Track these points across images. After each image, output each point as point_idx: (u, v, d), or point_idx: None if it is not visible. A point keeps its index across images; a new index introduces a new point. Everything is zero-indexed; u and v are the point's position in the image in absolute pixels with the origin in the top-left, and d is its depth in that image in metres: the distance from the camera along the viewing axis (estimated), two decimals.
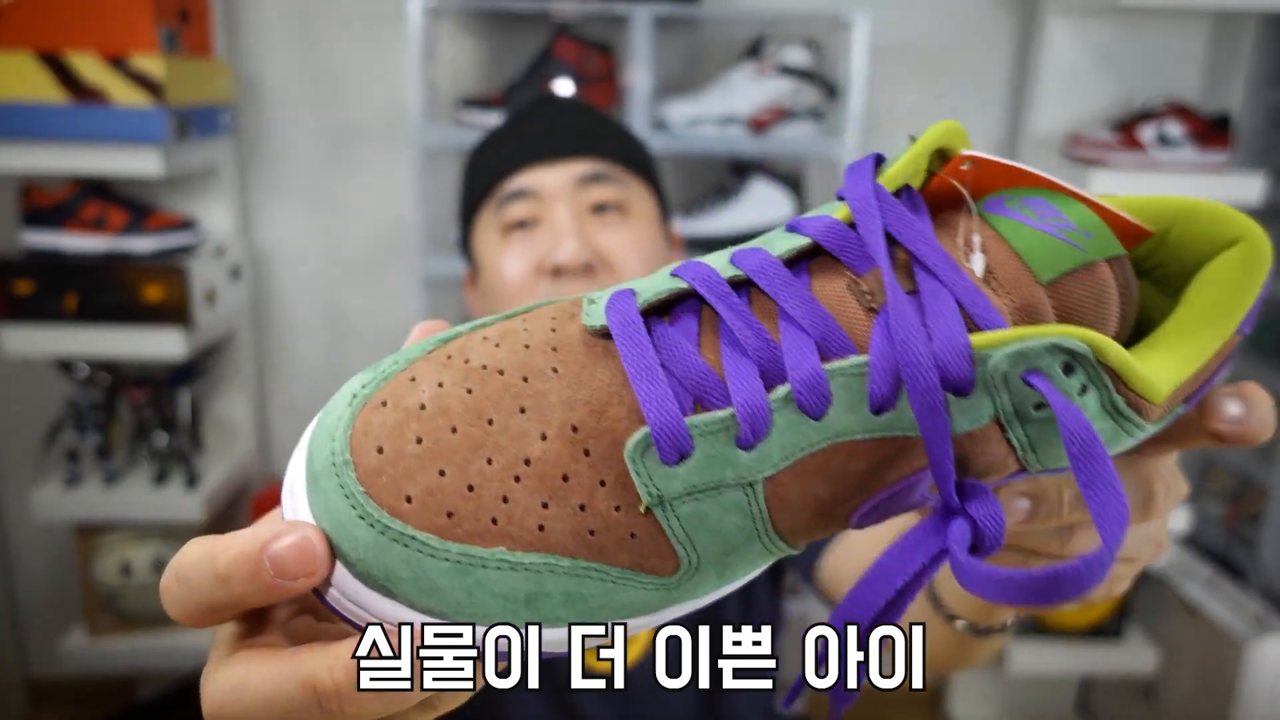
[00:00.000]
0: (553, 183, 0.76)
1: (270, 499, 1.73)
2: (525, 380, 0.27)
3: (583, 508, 0.26)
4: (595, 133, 0.79)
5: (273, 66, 1.71)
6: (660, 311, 0.28)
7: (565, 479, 0.26)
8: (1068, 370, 0.25)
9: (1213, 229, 0.31)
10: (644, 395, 0.26)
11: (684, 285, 0.27)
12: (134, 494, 1.57)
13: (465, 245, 0.84)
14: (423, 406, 0.27)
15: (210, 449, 1.76)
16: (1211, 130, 1.52)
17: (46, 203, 1.48)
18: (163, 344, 1.47)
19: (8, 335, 1.45)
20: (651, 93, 1.53)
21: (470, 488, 0.25)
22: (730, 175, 1.63)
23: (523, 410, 0.26)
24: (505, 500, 0.25)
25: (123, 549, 1.61)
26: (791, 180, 1.63)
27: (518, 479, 0.26)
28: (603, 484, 0.26)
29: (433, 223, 1.63)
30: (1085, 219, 0.28)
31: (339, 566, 0.26)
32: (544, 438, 0.26)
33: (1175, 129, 1.52)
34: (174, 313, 1.47)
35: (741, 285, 0.27)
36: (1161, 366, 0.27)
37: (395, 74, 1.71)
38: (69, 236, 1.48)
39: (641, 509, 0.26)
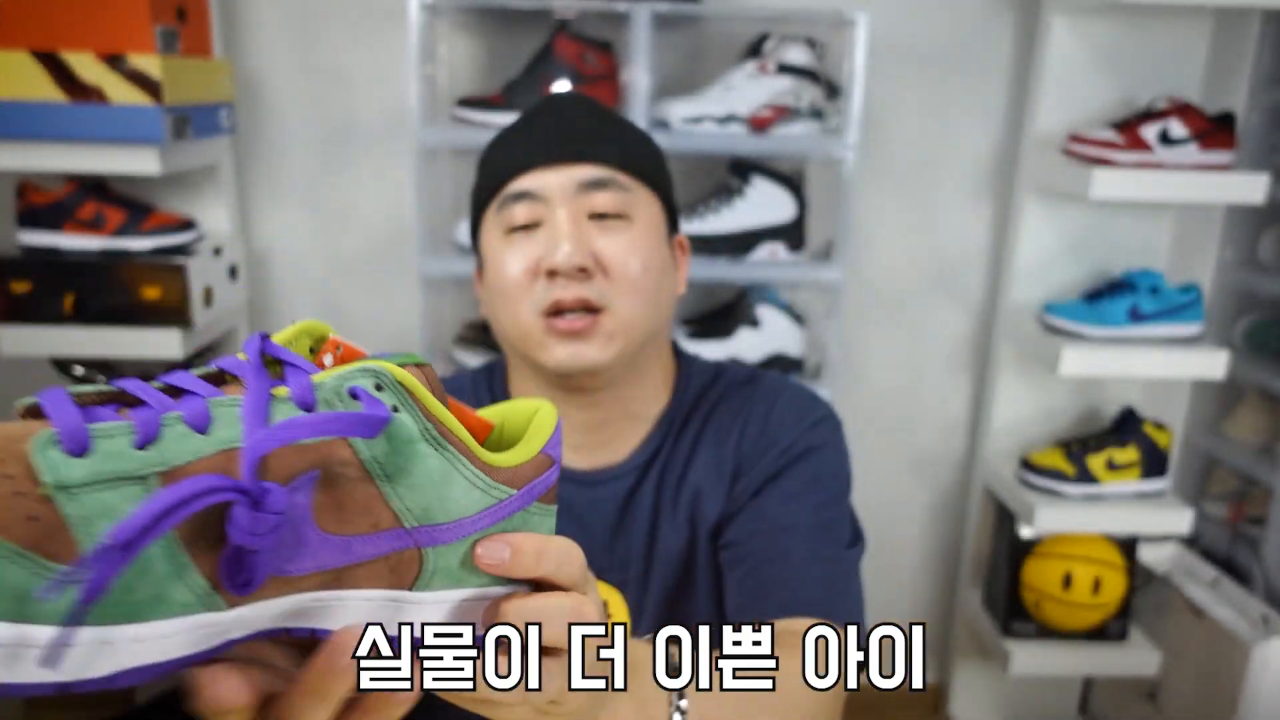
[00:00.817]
0: (555, 187, 0.76)
1: None
2: None
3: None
4: (603, 137, 0.79)
5: (271, 66, 1.70)
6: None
7: None
8: (379, 389, 0.37)
9: (525, 409, 0.45)
10: (49, 405, 0.33)
11: (111, 389, 0.36)
12: None
13: (475, 240, 0.85)
14: None
15: None
16: (1215, 130, 1.52)
17: (44, 202, 1.47)
18: (160, 344, 1.46)
19: (4, 335, 1.44)
20: (652, 91, 1.52)
21: None
22: (731, 174, 1.63)
23: None
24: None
25: None
26: (792, 179, 1.62)
27: None
28: (10, 477, 0.30)
29: (431, 222, 1.62)
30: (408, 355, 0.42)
31: None
32: None
33: (1178, 128, 1.51)
34: (172, 312, 1.46)
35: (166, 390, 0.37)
36: (498, 456, 0.40)
37: (394, 73, 1.70)
38: (66, 236, 1.47)
39: (40, 492, 0.30)
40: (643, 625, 0.83)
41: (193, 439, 0.33)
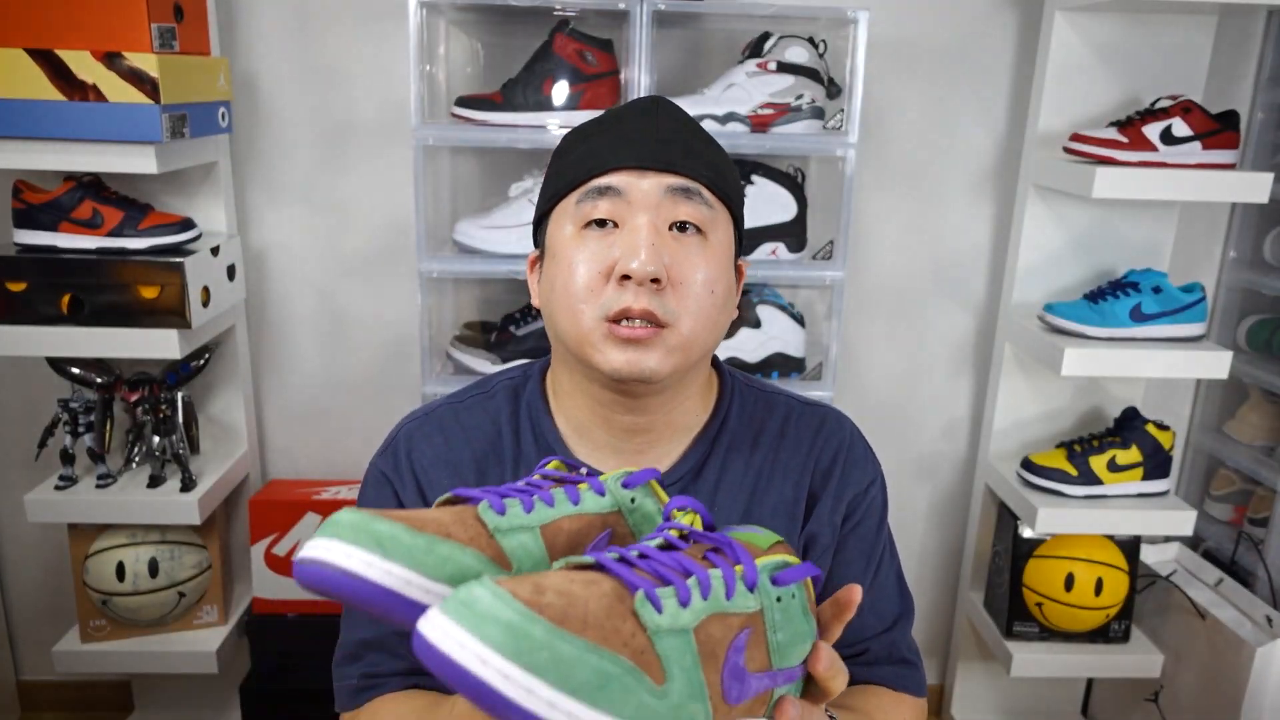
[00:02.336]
0: (643, 189, 0.75)
1: (267, 500, 1.72)
2: (567, 580, 0.48)
3: (618, 631, 0.45)
4: (696, 151, 0.79)
5: (269, 64, 1.69)
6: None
7: (608, 617, 0.46)
8: (776, 582, 0.54)
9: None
10: (626, 577, 0.49)
11: (617, 556, 0.52)
12: (129, 496, 1.56)
13: (538, 228, 0.83)
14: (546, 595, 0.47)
15: (206, 450, 1.75)
16: (1218, 129, 1.51)
17: (40, 201, 1.46)
18: (158, 344, 1.45)
19: (1, 335, 1.44)
20: (652, 90, 1.51)
21: (565, 612, 0.45)
22: None
23: (570, 594, 0.47)
24: (586, 614, 0.45)
25: (117, 552, 1.60)
26: (793, 178, 1.61)
27: (586, 612, 0.45)
28: (625, 621, 0.46)
29: (431, 221, 1.61)
30: (751, 528, 0.60)
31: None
32: (588, 602, 0.46)
33: (1182, 127, 1.50)
34: (169, 312, 1.45)
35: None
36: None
37: (393, 71, 1.70)
38: (63, 235, 1.47)
39: (647, 637, 0.46)
40: None
41: (702, 602, 0.49)
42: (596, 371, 0.77)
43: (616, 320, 0.73)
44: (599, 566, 0.50)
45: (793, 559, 0.54)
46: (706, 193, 0.77)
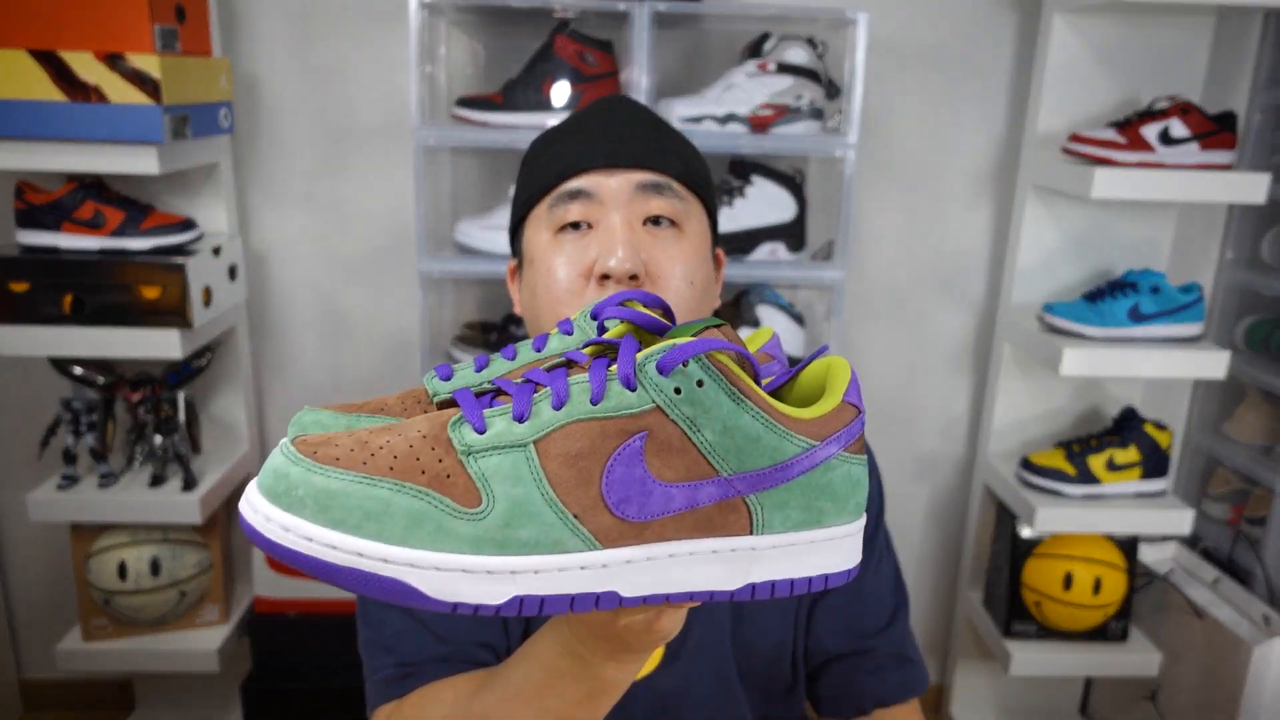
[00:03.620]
0: (613, 188, 0.76)
1: None
2: (394, 424, 0.46)
3: (418, 459, 0.43)
4: (662, 145, 0.79)
5: (271, 65, 1.70)
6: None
7: (410, 446, 0.43)
8: (662, 369, 0.44)
9: (817, 367, 0.51)
10: (463, 403, 0.45)
11: (491, 386, 0.48)
12: (130, 495, 1.56)
13: (515, 236, 0.84)
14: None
15: (207, 450, 1.75)
16: (1216, 129, 1.51)
17: (42, 201, 1.47)
18: (159, 344, 1.46)
19: (3, 335, 1.44)
20: (652, 91, 1.52)
21: (351, 449, 0.43)
22: (731, 174, 1.62)
23: (389, 429, 0.45)
24: (372, 455, 0.43)
25: (119, 551, 1.60)
26: (793, 178, 1.62)
27: (381, 448, 0.43)
28: (433, 449, 0.43)
29: (431, 222, 1.61)
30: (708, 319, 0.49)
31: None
32: (399, 435, 0.44)
33: (1180, 128, 1.51)
34: (171, 312, 1.46)
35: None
36: (796, 411, 0.46)
37: (394, 72, 1.70)
38: (65, 236, 1.47)
39: (458, 457, 0.43)
40: (692, 634, 0.85)
41: (552, 413, 0.44)
42: None
43: None
44: (454, 401, 0.48)
45: (688, 339, 0.45)
46: (677, 185, 0.78)
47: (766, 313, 1.63)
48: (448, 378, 0.53)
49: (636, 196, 0.76)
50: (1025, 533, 1.73)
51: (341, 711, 1.65)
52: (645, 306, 0.52)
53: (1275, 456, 1.72)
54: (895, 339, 1.91)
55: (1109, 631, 1.75)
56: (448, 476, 0.42)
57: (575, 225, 0.76)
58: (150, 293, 1.45)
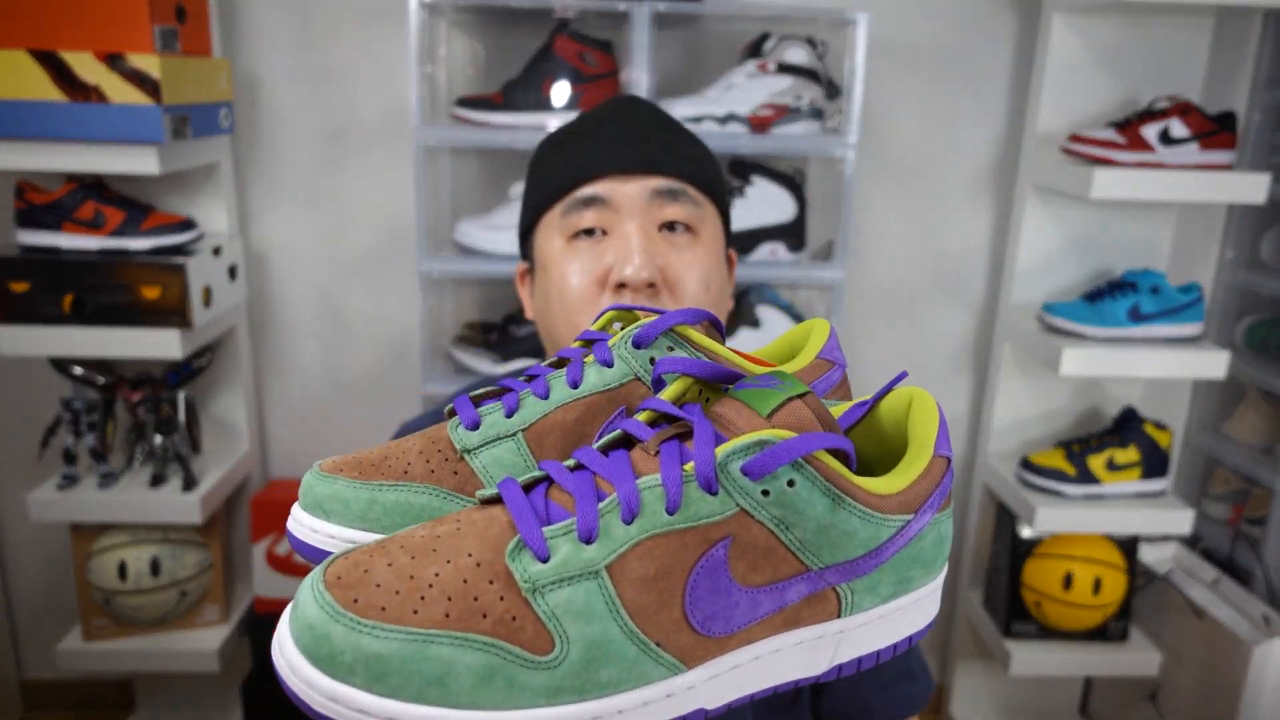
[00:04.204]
0: (628, 194, 0.75)
1: (268, 500, 1.72)
2: (438, 538, 0.38)
3: (476, 599, 0.36)
4: (676, 148, 0.78)
5: (271, 65, 1.70)
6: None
7: (464, 582, 0.37)
8: (749, 473, 0.38)
9: (897, 402, 0.44)
10: (517, 516, 0.38)
11: (540, 474, 0.41)
12: (131, 495, 1.56)
13: (525, 240, 0.83)
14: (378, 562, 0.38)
15: (207, 450, 1.75)
16: (1216, 129, 1.51)
17: (42, 201, 1.47)
18: (160, 344, 1.46)
19: (3, 335, 1.44)
20: (652, 91, 1.52)
21: (396, 592, 0.36)
22: (731, 174, 1.63)
23: (435, 551, 0.38)
24: (422, 599, 0.36)
25: (119, 551, 1.60)
26: (793, 178, 1.62)
27: (430, 585, 0.37)
28: (491, 583, 0.37)
29: (431, 222, 1.62)
30: (784, 375, 0.41)
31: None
32: (448, 562, 0.37)
33: (1179, 128, 1.51)
34: (171, 312, 1.46)
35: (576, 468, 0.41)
36: (886, 483, 0.41)
37: (394, 72, 1.70)
38: (65, 236, 1.47)
39: (521, 594, 0.37)
40: None
41: (624, 529, 0.38)
42: None
43: None
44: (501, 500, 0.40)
45: (784, 434, 0.38)
46: (692, 190, 0.77)
47: (766, 313, 1.63)
48: (474, 425, 0.47)
49: (652, 203, 0.75)
50: (1025, 533, 1.73)
51: None
52: (691, 325, 0.47)
53: (1275, 456, 1.72)
54: (895, 339, 1.91)
55: (1109, 631, 1.75)
56: (513, 619, 0.36)
57: (589, 232, 0.75)
58: (150, 293, 1.45)
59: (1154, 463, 1.69)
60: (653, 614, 0.37)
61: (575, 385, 0.47)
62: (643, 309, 0.49)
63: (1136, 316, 1.60)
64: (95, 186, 1.50)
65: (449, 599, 0.36)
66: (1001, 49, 1.77)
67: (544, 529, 0.37)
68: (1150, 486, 1.69)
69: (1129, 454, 1.68)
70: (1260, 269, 1.77)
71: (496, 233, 1.57)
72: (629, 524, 0.37)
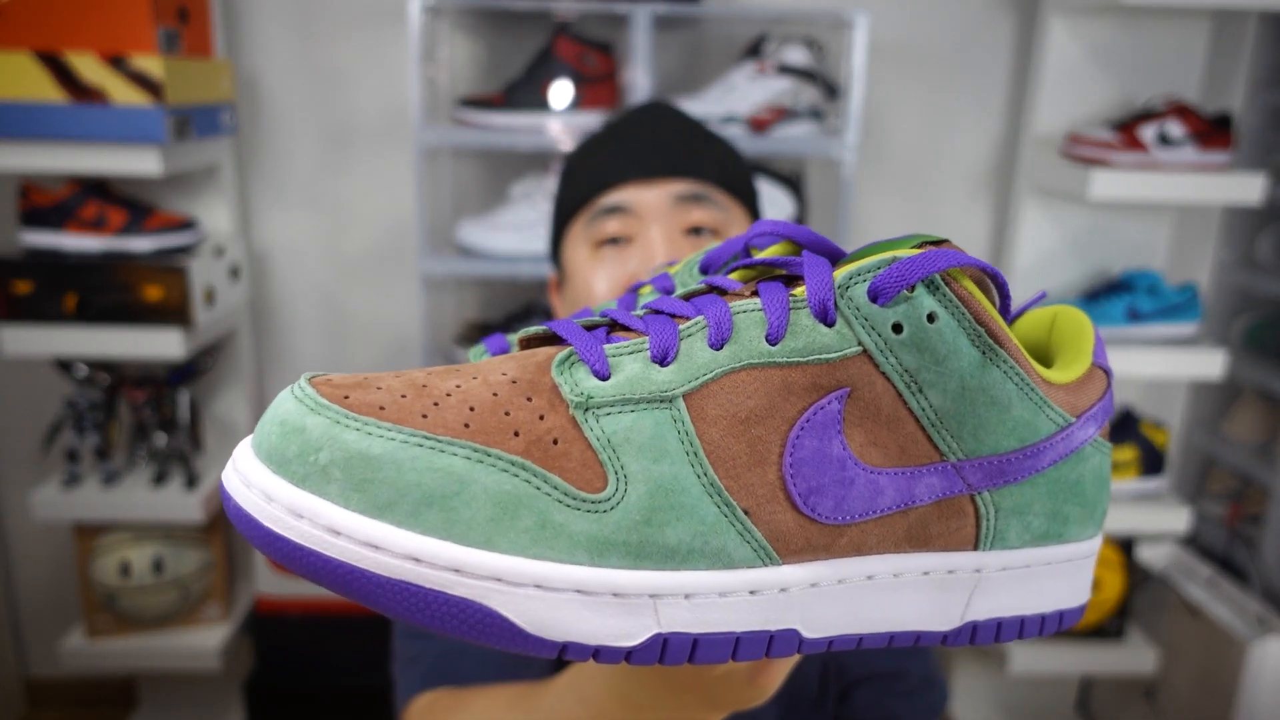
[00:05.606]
0: (650, 201, 0.74)
1: None
2: (458, 368, 0.30)
3: (507, 414, 0.27)
4: (700, 153, 0.77)
5: (273, 66, 1.71)
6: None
7: (494, 395, 0.28)
8: (879, 295, 0.29)
9: (1036, 316, 0.37)
10: (573, 336, 0.29)
11: (603, 319, 0.32)
12: (133, 494, 1.57)
13: (555, 250, 0.82)
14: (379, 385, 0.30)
15: (210, 449, 1.76)
16: (1213, 130, 1.52)
17: (46, 202, 1.48)
18: (162, 344, 1.47)
19: (7, 335, 1.45)
20: (652, 92, 1.53)
21: (403, 395, 0.28)
22: None
23: (458, 371, 0.29)
24: (435, 405, 0.27)
25: (122, 549, 1.61)
26: (792, 180, 1.62)
27: (449, 394, 0.28)
28: (529, 399, 0.28)
29: (432, 222, 1.62)
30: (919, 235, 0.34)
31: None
32: (474, 378, 0.28)
33: (1176, 129, 1.52)
34: (173, 312, 1.46)
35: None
36: (1048, 373, 0.32)
37: (395, 73, 1.71)
38: (68, 236, 1.48)
39: (570, 412, 0.28)
40: None
41: (711, 354, 0.29)
42: None
43: None
44: (552, 335, 0.32)
45: (912, 252, 0.30)
46: (716, 193, 0.76)
47: None
48: (502, 351, 0.38)
49: (676, 208, 0.74)
50: None
51: (344, 711, 1.66)
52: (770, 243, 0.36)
53: (1271, 455, 1.73)
54: None
55: (1106, 630, 1.76)
56: (554, 442, 0.28)
57: (614, 240, 0.75)
58: (153, 293, 1.46)
59: (1151, 462, 1.69)
60: (742, 469, 0.29)
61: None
62: (808, 234, 0.34)
63: (1133, 316, 1.61)
64: (98, 187, 1.51)
65: (471, 408, 0.28)
66: (1000, 50, 1.78)
67: (605, 346, 0.29)
68: (1147, 485, 1.70)
69: (1126, 453, 1.69)
70: (1256, 269, 1.77)
71: (497, 233, 1.58)
72: (717, 349, 0.29)
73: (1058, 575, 0.33)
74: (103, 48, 1.36)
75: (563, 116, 1.53)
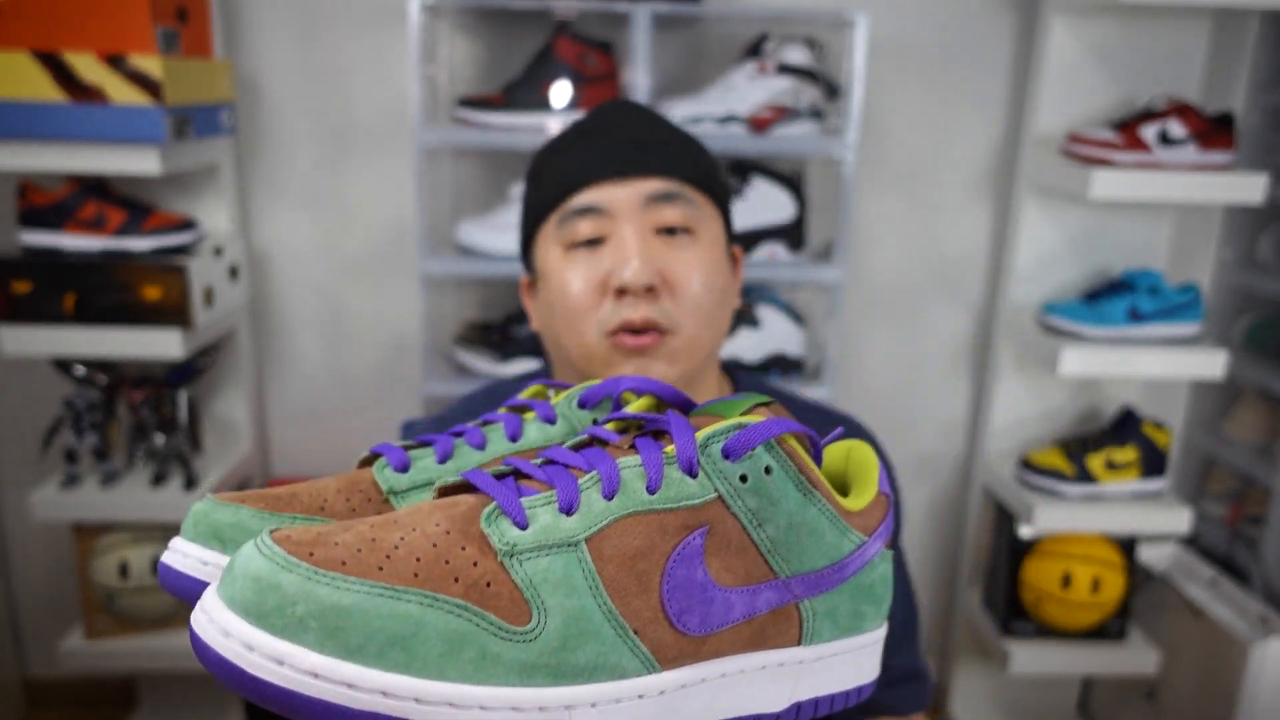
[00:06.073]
0: (622, 201, 0.74)
1: None
2: (395, 520, 0.36)
3: (447, 562, 0.34)
4: (669, 150, 0.77)
5: (272, 66, 1.71)
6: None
7: (434, 546, 0.34)
8: (729, 454, 0.38)
9: (837, 449, 0.46)
10: (491, 489, 0.37)
11: (507, 468, 0.39)
12: (132, 494, 1.57)
13: (526, 251, 0.82)
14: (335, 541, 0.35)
15: (209, 449, 1.76)
16: (1214, 130, 1.52)
17: (44, 202, 1.47)
18: (161, 344, 1.47)
19: (5, 335, 1.45)
20: (652, 92, 1.52)
21: (358, 550, 0.33)
22: (731, 174, 1.63)
23: (396, 523, 0.36)
24: (388, 558, 0.33)
25: (121, 550, 1.61)
26: (792, 179, 1.62)
27: (396, 547, 0.34)
28: (463, 548, 0.35)
29: (432, 222, 1.62)
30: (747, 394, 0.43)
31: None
32: (414, 530, 0.35)
33: (1178, 128, 1.51)
34: (172, 312, 1.46)
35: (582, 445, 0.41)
36: (845, 501, 0.42)
37: (395, 73, 1.71)
38: (67, 236, 1.48)
39: (498, 559, 0.35)
40: None
41: (605, 504, 0.37)
42: None
43: (619, 334, 0.73)
44: (468, 485, 0.39)
45: (757, 419, 0.39)
46: (688, 190, 0.76)
47: (766, 313, 1.64)
48: (404, 467, 0.44)
49: (647, 207, 0.74)
50: (1024, 532, 1.73)
51: None
52: (637, 395, 0.46)
53: (1272, 456, 1.73)
54: (895, 339, 1.91)
55: (1107, 630, 1.76)
56: (488, 585, 0.34)
57: (588, 242, 0.75)
58: (152, 293, 1.46)
59: (1152, 462, 1.69)
60: (631, 596, 0.36)
61: (514, 439, 0.46)
62: (669, 390, 0.46)
63: (1135, 316, 1.60)
64: (97, 187, 1.51)
65: (417, 559, 0.33)
66: (1000, 50, 1.77)
67: (522, 499, 0.36)
68: (1148, 486, 1.70)
69: (1127, 454, 1.68)
70: (1257, 269, 1.77)
71: (497, 233, 1.58)
72: (609, 500, 0.37)
73: (859, 658, 0.43)
74: (102, 47, 1.36)
75: (563, 116, 1.53)
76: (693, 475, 0.37)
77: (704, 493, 0.37)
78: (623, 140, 0.76)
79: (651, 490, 0.37)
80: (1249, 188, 1.51)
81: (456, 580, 0.33)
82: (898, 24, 1.73)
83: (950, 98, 1.79)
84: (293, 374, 1.86)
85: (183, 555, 0.40)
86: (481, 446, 0.46)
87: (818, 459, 0.42)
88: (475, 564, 0.34)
